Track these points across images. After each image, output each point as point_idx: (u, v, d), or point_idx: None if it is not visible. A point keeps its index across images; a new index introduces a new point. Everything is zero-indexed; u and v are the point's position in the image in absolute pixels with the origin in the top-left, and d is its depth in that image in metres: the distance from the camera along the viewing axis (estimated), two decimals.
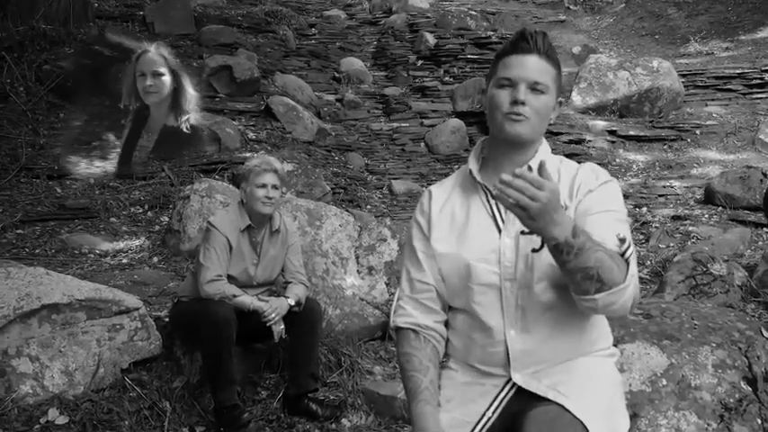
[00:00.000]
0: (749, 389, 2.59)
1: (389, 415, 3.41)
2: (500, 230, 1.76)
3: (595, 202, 1.72)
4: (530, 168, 1.71)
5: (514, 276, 1.73)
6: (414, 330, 1.84)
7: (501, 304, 1.74)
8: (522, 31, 1.78)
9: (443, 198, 1.89)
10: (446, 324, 1.88)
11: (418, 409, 1.74)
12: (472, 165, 1.85)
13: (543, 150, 1.82)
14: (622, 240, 1.63)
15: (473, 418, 1.75)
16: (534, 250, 1.65)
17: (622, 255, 1.62)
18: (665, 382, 2.59)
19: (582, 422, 1.60)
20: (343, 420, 3.39)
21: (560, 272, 1.62)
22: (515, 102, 1.71)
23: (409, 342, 1.84)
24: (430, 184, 1.99)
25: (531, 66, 1.72)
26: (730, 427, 2.49)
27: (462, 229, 1.81)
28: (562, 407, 1.63)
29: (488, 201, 1.81)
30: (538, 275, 1.71)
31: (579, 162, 1.85)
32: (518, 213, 1.49)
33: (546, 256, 1.63)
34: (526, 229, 1.55)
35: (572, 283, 1.61)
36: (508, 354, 1.74)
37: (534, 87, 1.72)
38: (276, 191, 3.42)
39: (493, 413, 1.75)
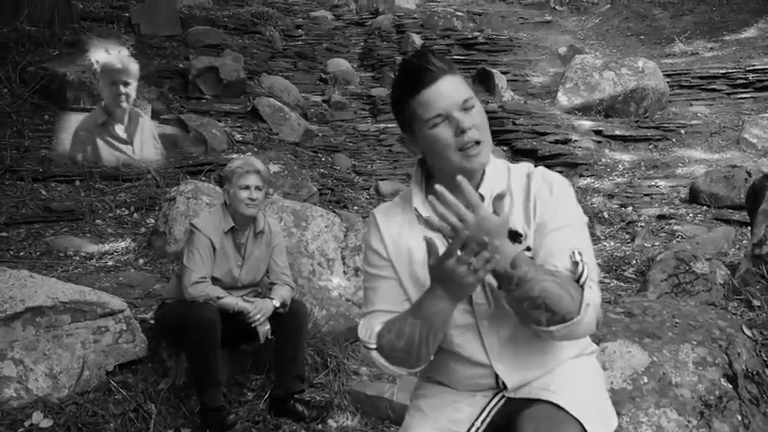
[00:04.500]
0: (729, 386, 2.61)
1: (376, 415, 3.42)
2: None
3: (550, 217, 1.64)
4: (481, 197, 1.63)
5: (490, 313, 1.66)
6: None
7: (482, 342, 1.68)
8: (411, 62, 1.62)
9: (395, 233, 1.73)
10: None
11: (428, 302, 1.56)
12: (417, 201, 1.71)
13: (489, 169, 1.68)
14: (575, 264, 1.56)
15: (461, 427, 1.72)
16: (499, 287, 1.55)
17: (578, 280, 1.55)
18: (645, 380, 2.61)
19: (578, 419, 1.59)
20: (330, 421, 3.39)
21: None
22: (462, 132, 1.58)
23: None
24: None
25: (449, 90, 1.59)
26: (710, 423, 2.51)
27: (426, 274, 1.59)
28: (556, 405, 1.61)
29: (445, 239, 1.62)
30: None
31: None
32: (446, 235, 1.44)
33: None
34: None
35: (520, 313, 1.56)
36: (497, 378, 1.71)
37: (465, 107, 1.60)
38: (259, 192, 3.41)
39: (482, 423, 1.71)
